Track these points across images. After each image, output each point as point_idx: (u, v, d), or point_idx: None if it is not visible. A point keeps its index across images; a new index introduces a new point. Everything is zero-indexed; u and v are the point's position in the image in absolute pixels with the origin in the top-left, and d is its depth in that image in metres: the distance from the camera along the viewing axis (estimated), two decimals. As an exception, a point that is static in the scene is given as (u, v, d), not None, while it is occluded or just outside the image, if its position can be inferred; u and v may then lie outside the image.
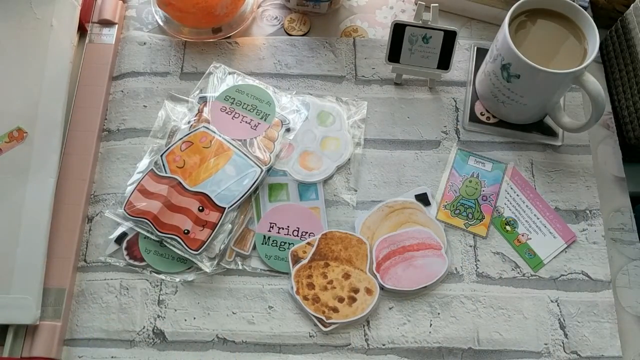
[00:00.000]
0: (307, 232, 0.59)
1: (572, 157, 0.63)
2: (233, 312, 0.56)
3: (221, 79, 0.66)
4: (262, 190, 0.60)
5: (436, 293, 0.57)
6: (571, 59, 0.57)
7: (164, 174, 0.59)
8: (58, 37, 0.63)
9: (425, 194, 0.61)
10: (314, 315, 0.55)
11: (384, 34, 0.70)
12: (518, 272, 0.58)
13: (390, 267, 0.57)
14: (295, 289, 0.55)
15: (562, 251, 0.59)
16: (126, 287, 0.57)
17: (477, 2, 0.69)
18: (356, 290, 0.55)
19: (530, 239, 0.59)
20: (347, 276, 0.56)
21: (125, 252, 0.58)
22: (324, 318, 0.54)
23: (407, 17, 0.71)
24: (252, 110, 0.63)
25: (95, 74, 0.66)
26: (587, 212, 0.61)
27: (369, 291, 0.55)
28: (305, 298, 0.55)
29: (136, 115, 0.65)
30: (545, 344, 0.55)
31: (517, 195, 0.61)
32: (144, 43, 0.69)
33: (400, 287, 0.56)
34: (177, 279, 0.57)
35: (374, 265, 0.57)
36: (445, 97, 0.66)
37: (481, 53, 0.67)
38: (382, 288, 0.56)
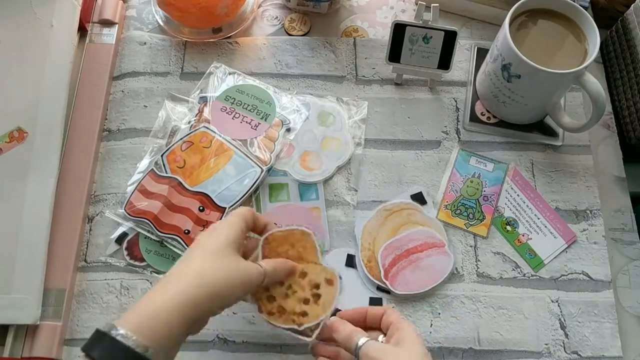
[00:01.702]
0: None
1: (572, 157, 0.63)
2: (233, 312, 0.56)
3: (221, 79, 0.66)
4: (262, 190, 0.60)
5: (437, 293, 0.57)
6: (572, 59, 0.57)
7: (165, 174, 0.59)
8: (58, 37, 0.63)
9: (420, 193, 0.61)
10: (286, 329, 0.49)
11: (384, 34, 0.70)
12: (518, 272, 0.58)
13: (398, 272, 0.56)
14: (257, 308, 0.49)
15: (562, 251, 0.59)
16: (127, 287, 0.57)
17: (477, 2, 0.69)
18: (317, 286, 0.50)
19: (531, 239, 0.59)
20: (303, 275, 0.51)
21: (125, 252, 0.58)
22: (296, 327, 0.49)
23: (407, 17, 0.71)
24: (252, 110, 0.63)
25: (95, 74, 0.66)
26: (588, 212, 0.61)
27: (329, 282, 0.51)
28: (270, 313, 0.49)
29: (136, 115, 0.65)
30: (546, 344, 0.55)
31: (518, 195, 0.61)
32: (144, 43, 0.69)
33: (411, 291, 0.56)
34: (178, 279, 0.57)
35: (382, 273, 0.56)
36: (446, 97, 0.66)
37: (481, 53, 0.67)
38: (388, 292, 0.56)
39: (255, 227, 0.51)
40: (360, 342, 0.45)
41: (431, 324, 0.56)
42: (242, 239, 0.47)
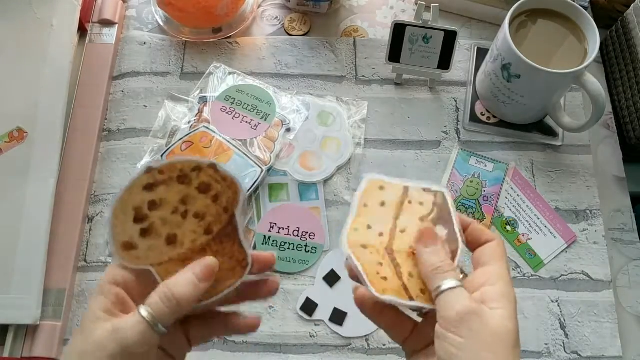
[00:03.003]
0: (307, 232, 0.59)
1: (572, 157, 0.63)
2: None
3: (221, 79, 0.66)
4: (262, 190, 0.60)
5: (437, 293, 0.57)
6: (571, 59, 0.57)
7: (164, 174, 0.59)
8: (58, 37, 0.63)
9: None
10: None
11: (384, 34, 0.70)
12: (518, 272, 0.58)
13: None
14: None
15: (562, 251, 0.59)
16: (126, 287, 0.57)
17: (477, 2, 0.69)
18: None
19: (531, 239, 0.59)
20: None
21: (125, 252, 0.58)
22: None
23: (407, 17, 0.71)
24: (252, 110, 0.63)
25: (95, 74, 0.66)
26: (588, 212, 0.61)
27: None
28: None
29: (136, 115, 0.65)
30: (546, 344, 0.55)
31: (518, 195, 0.61)
32: (144, 43, 0.69)
33: None
34: (178, 279, 0.57)
35: None
36: (446, 97, 0.66)
37: (481, 53, 0.67)
38: None
39: None
40: (445, 285, 0.34)
41: (431, 324, 0.55)
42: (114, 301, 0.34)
